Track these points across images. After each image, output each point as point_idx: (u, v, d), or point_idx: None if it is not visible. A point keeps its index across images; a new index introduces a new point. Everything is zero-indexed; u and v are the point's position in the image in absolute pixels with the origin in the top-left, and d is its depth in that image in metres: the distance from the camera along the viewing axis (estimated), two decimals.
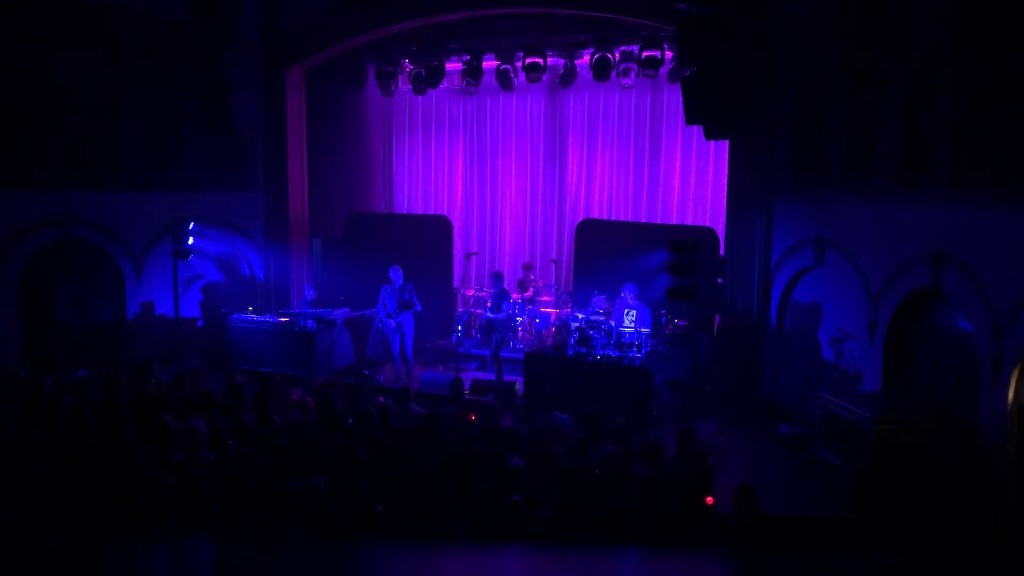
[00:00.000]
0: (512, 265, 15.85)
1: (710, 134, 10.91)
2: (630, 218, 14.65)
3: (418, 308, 12.06)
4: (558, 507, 5.96)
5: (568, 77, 13.50)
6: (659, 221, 14.35)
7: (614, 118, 14.98)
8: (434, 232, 14.47)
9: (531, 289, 13.66)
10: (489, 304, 12.37)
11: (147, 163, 13.28)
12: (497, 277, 12.58)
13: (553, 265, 14.73)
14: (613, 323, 11.41)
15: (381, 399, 8.66)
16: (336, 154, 15.14)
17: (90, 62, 12.60)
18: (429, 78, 13.99)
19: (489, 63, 13.69)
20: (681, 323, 11.70)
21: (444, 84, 14.35)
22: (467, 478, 6.74)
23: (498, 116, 16.00)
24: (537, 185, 15.81)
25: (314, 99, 14.41)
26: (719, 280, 11.53)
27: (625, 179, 14.98)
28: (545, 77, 13.43)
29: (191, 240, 12.53)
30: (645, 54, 12.28)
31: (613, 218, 14.78)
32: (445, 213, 15.75)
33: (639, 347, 10.93)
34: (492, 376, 11.93)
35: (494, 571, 3.88)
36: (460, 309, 14.14)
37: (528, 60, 13.03)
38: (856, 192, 9.56)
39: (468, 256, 14.40)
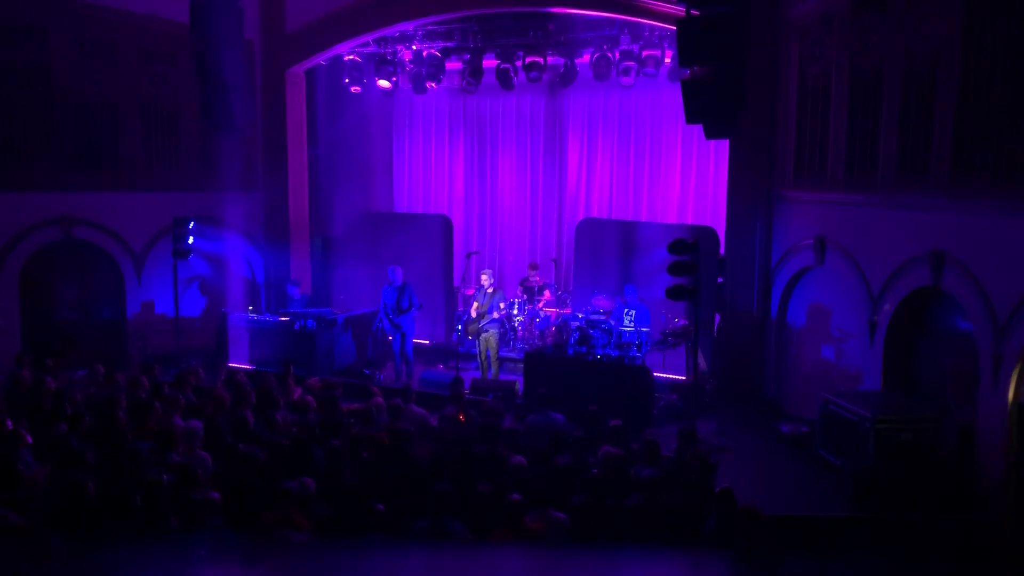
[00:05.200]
0: (513, 265, 15.86)
1: (710, 134, 10.91)
2: (630, 217, 14.65)
3: (416, 308, 12.04)
4: (562, 508, 5.96)
5: (568, 76, 13.50)
6: (659, 220, 14.36)
7: (614, 118, 14.99)
8: (434, 232, 14.47)
9: (535, 288, 13.63)
10: (477, 304, 12.24)
11: (147, 163, 13.28)
12: (487, 276, 12.44)
13: (553, 265, 14.73)
14: (613, 323, 11.41)
15: (380, 399, 8.65)
16: (336, 154, 15.15)
17: (90, 62, 12.60)
18: (429, 77, 13.99)
19: (489, 63, 13.69)
20: (681, 323, 11.70)
21: (444, 84, 14.35)
22: (467, 477, 6.75)
23: (498, 116, 16.01)
24: (537, 184, 15.82)
25: (314, 99, 14.41)
26: (719, 280, 11.53)
27: (625, 178, 14.99)
28: (545, 77, 13.42)
29: (191, 240, 12.53)
30: (645, 53, 12.29)
31: (613, 217, 14.78)
32: (445, 213, 15.75)
33: (639, 347, 10.93)
34: (491, 375, 11.94)
35: (494, 571, 3.88)
36: (460, 309, 14.13)
37: (528, 59, 13.04)
38: (856, 192, 9.56)
39: (468, 256, 14.40)
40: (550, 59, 13.26)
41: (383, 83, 14.22)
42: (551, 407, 8.62)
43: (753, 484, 8.04)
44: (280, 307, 13.07)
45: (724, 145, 12.18)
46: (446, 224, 14.71)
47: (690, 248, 10.20)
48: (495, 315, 11.94)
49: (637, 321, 11.46)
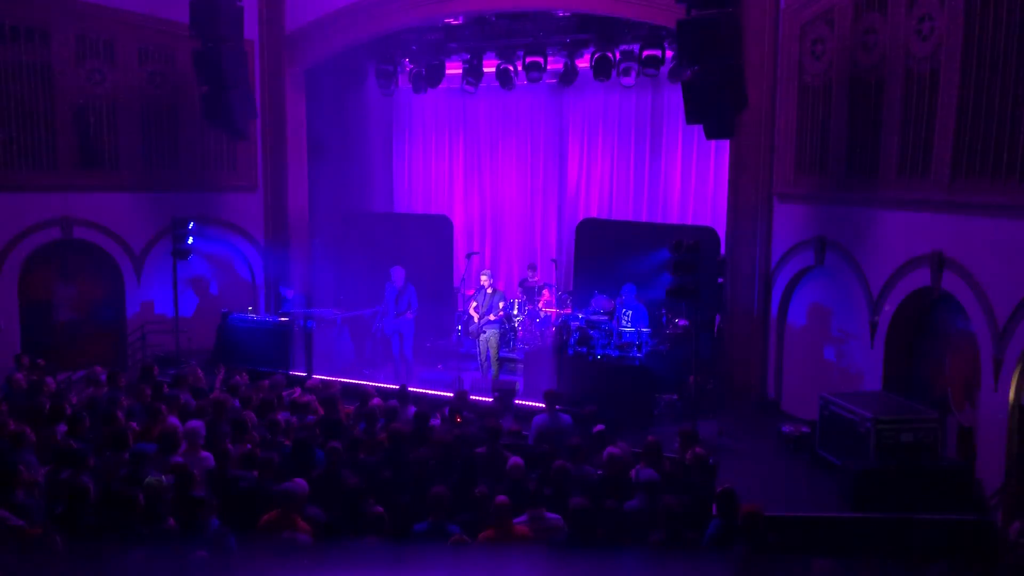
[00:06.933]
0: (513, 265, 15.85)
1: (711, 134, 10.89)
2: (630, 218, 14.64)
3: (414, 310, 12.01)
4: (568, 511, 5.95)
5: (568, 76, 13.48)
6: (659, 221, 14.35)
7: (614, 117, 14.97)
8: (434, 232, 14.45)
9: (535, 288, 13.60)
10: (475, 304, 12.20)
11: (147, 163, 13.27)
12: (486, 276, 12.37)
13: (553, 265, 14.72)
14: (613, 323, 11.39)
15: (377, 400, 8.64)
16: (336, 154, 15.11)
17: (90, 62, 12.59)
18: (429, 78, 13.97)
19: (489, 63, 13.67)
20: (682, 323, 11.69)
21: (444, 84, 14.33)
22: (466, 479, 6.75)
23: (498, 116, 15.98)
24: (537, 185, 15.81)
25: (314, 99, 14.40)
26: (719, 280, 11.52)
27: (625, 179, 14.97)
28: (545, 77, 13.41)
29: (191, 240, 12.51)
30: (645, 53, 12.27)
31: (613, 218, 14.77)
32: (445, 213, 15.73)
33: (639, 347, 10.93)
34: (491, 375, 11.93)
35: (494, 572, 3.87)
36: (460, 309, 14.12)
37: (528, 59, 13.01)
38: (856, 192, 9.56)
39: (468, 256, 14.38)
40: (550, 59, 13.24)
41: (382, 83, 14.19)
42: (559, 407, 8.59)
43: (754, 484, 8.04)
44: (278, 308, 13.06)
45: (724, 145, 12.17)
46: (446, 224, 14.69)
47: (690, 248, 10.18)
48: (492, 316, 11.92)
49: (634, 321, 11.44)
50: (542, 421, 8.44)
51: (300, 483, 6.07)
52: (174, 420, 7.62)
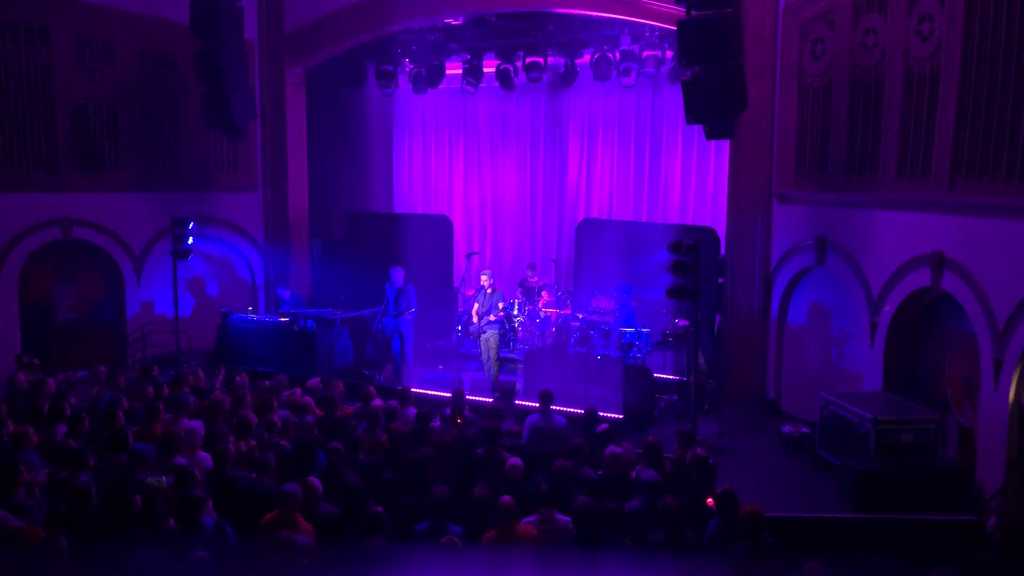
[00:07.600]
0: (513, 265, 15.84)
1: (711, 134, 10.89)
2: (630, 218, 14.64)
3: (413, 310, 12.00)
4: (571, 510, 5.94)
5: (568, 77, 13.48)
6: (659, 221, 14.34)
7: (614, 118, 14.97)
8: (434, 232, 14.45)
9: (535, 288, 13.58)
10: (477, 306, 12.19)
11: (147, 163, 13.27)
12: (487, 276, 12.34)
13: (553, 265, 14.72)
14: (614, 323, 11.38)
15: (378, 401, 8.63)
16: (336, 154, 15.12)
17: (90, 62, 12.60)
18: (429, 78, 13.98)
19: (489, 63, 13.67)
20: (682, 323, 11.69)
21: (444, 84, 14.33)
22: (467, 480, 6.75)
23: (498, 116, 15.98)
24: (537, 185, 15.80)
25: (314, 99, 14.40)
26: (720, 280, 11.51)
27: (625, 179, 14.97)
28: (545, 77, 13.41)
29: (191, 240, 12.51)
30: (645, 54, 12.28)
31: (613, 218, 14.77)
32: (445, 213, 15.73)
33: (639, 347, 10.92)
34: (491, 376, 11.92)
35: (492, 572, 3.88)
36: (460, 309, 14.12)
37: (528, 60, 13.02)
38: (856, 192, 9.56)
39: (468, 256, 14.38)
40: (550, 59, 13.25)
41: (382, 83, 14.19)
42: (553, 407, 8.59)
43: (754, 485, 8.04)
44: (277, 308, 13.05)
45: (724, 145, 12.17)
46: (446, 224, 14.68)
47: (690, 248, 10.19)
48: (492, 317, 11.92)
49: (625, 320, 11.43)
50: (535, 421, 8.43)
51: (313, 482, 6.08)
52: (186, 422, 7.60)
